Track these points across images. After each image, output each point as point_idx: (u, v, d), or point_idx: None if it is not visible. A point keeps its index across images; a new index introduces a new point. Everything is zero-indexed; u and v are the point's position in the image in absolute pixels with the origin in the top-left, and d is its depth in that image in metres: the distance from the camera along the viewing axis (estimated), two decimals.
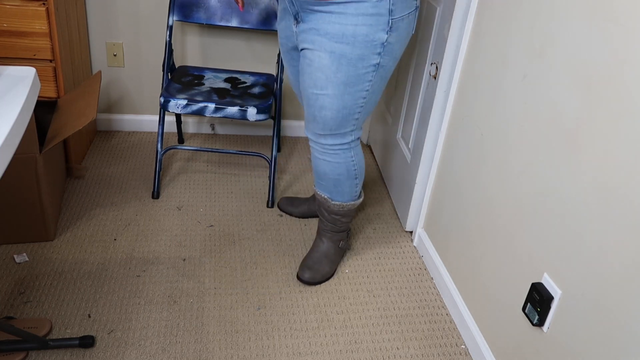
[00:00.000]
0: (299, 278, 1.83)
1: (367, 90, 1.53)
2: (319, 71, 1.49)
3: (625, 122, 1.05)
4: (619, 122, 1.06)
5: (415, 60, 2.07)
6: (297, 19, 1.52)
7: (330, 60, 1.46)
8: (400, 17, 1.44)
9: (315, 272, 1.82)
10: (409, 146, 2.10)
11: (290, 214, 2.15)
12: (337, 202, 1.77)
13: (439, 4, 1.84)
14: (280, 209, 2.17)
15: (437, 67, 1.82)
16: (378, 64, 1.48)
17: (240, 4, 1.73)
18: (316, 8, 1.44)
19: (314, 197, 2.12)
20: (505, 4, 1.47)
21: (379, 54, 1.46)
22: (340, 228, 1.84)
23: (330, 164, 1.68)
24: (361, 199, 1.83)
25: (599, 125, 1.12)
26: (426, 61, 1.94)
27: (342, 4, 1.40)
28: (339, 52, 1.45)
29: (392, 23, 1.43)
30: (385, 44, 1.45)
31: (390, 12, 1.42)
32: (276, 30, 2.29)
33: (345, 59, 1.45)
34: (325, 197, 1.77)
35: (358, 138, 1.68)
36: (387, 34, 1.44)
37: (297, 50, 1.65)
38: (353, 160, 1.69)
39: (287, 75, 1.80)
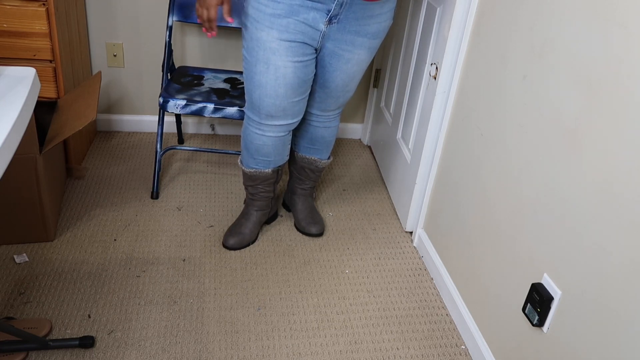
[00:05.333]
0: (309, 234, 2.05)
1: None
2: (356, 66, 1.71)
3: (625, 122, 1.05)
4: (619, 122, 1.06)
5: (415, 60, 2.07)
6: (331, 21, 1.57)
7: (367, 55, 1.70)
8: None
9: (319, 223, 2.06)
10: (409, 146, 2.10)
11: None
12: (325, 160, 2.02)
13: (439, 4, 1.84)
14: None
15: (437, 67, 1.82)
16: None
17: (209, 33, 1.60)
18: (365, 12, 1.58)
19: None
20: (505, 4, 1.47)
21: None
22: (317, 180, 2.10)
23: (330, 129, 1.93)
24: None
25: (598, 125, 1.12)
26: (426, 61, 1.94)
27: (384, 4, 1.60)
28: (374, 46, 1.69)
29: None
30: None
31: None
32: None
33: (375, 49, 1.71)
34: (315, 158, 1.99)
35: None
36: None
37: (309, 45, 1.61)
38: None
39: (275, 71, 1.60)
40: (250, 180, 1.89)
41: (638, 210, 1.01)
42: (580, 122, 1.17)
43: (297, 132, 1.96)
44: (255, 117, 1.72)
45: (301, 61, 1.61)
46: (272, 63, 1.58)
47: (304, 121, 1.91)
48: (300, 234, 2.05)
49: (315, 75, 1.73)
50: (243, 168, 1.88)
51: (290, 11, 1.52)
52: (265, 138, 1.76)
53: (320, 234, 2.06)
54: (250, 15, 1.56)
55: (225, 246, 1.93)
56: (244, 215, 1.98)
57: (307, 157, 1.99)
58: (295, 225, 2.09)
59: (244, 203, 2.06)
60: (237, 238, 1.93)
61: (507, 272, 1.45)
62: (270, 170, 1.86)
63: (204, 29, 1.58)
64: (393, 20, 1.69)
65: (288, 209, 2.17)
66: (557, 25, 1.25)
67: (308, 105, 1.84)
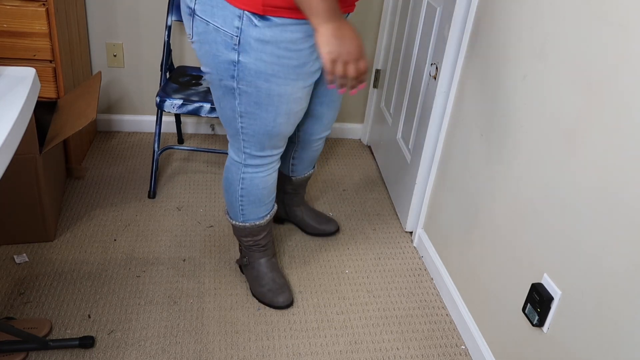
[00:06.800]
0: (329, 233, 2.05)
1: None
2: None
3: (625, 122, 1.05)
4: (618, 122, 1.06)
5: (415, 60, 2.07)
6: None
7: None
8: None
9: (331, 220, 2.07)
10: (409, 146, 2.10)
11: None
12: (311, 172, 1.94)
13: (439, 4, 1.85)
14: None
15: (437, 67, 1.82)
16: None
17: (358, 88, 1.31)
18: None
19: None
20: (505, 3, 1.47)
21: None
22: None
23: (320, 149, 1.87)
24: None
25: (598, 125, 1.12)
26: (426, 61, 1.94)
27: None
28: None
29: None
30: None
31: None
32: None
33: None
34: (310, 172, 1.93)
35: None
36: None
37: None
38: None
39: (294, 116, 1.47)
40: (263, 231, 1.69)
41: (638, 211, 1.01)
42: (580, 122, 1.17)
43: (298, 161, 1.85)
44: (266, 160, 1.55)
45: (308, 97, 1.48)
46: (293, 112, 1.44)
47: (307, 148, 1.80)
48: (300, 234, 2.05)
49: (319, 105, 1.64)
50: (253, 224, 1.66)
51: (309, 54, 1.33)
52: (275, 173, 1.62)
53: (338, 229, 2.06)
54: (262, 71, 1.31)
55: (278, 307, 1.72)
56: (265, 269, 1.75)
57: (304, 176, 1.91)
58: (308, 231, 2.04)
59: (245, 259, 1.77)
60: (285, 293, 1.72)
61: (507, 272, 1.45)
62: (276, 205, 1.73)
63: (349, 90, 1.27)
64: None
65: (281, 221, 2.10)
66: (557, 25, 1.25)
67: (314, 133, 1.75)
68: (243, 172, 1.57)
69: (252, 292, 1.76)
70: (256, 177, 1.58)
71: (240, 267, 1.83)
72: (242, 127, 1.45)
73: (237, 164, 1.57)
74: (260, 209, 1.64)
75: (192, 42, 1.37)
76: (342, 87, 1.28)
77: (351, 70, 1.23)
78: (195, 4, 1.29)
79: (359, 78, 1.25)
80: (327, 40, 1.19)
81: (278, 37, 1.27)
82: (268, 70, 1.31)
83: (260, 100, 1.37)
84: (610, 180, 1.08)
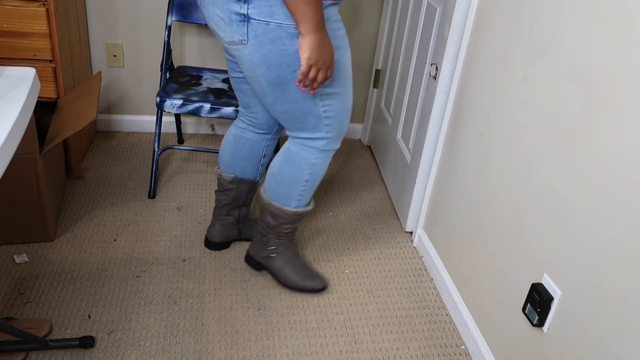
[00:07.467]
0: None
1: None
2: None
3: (625, 122, 1.05)
4: (619, 122, 1.06)
5: (415, 60, 2.07)
6: None
7: None
8: None
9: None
10: (409, 146, 2.10)
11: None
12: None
13: (439, 4, 1.85)
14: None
15: (437, 68, 1.82)
16: None
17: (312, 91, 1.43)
18: None
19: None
20: (505, 4, 1.47)
21: None
22: None
23: None
24: None
25: (599, 125, 1.12)
26: (426, 61, 1.94)
27: None
28: None
29: None
30: None
31: None
32: None
33: None
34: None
35: None
36: None
37: None
38: None
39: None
40: (303, 217, 1.74)
41: (638, 210, 1.01)
42: (580, 122, 1.17)
43: (268, 159, 1.83)
44: (338, 143, 1.62)
45: None
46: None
47: (280, 133, 1.83)
48: (300, 235, 2.05)
49: None
50: (305, 209, 1.69)
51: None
52: None
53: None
54: (335, 46, 1.41)
55: (319, 290, 1.79)
56: (297, 257, 1.80)
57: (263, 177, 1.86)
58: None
59: (275, 248, 1.77)
60: (318, 277, 1.79)
61: (507, 272, 1.45)
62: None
63: (303, 88, 1.39)
64: None
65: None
66: (557, 25, 1.25)
67: None
68: (316, 158, 1.60)
69: (283, 282, 1.78)
70: (325, 162, 1.63)
71: (258, 263, 1.81)
72: (324, 110, 1.50)
73: (312, 149, 1.59)
74: (312, 194, 1.70)
75: (244, 47, 1.38)
76: (308, 87, 1.40)
77: (321, 77, 1.36)
78: (248, 9, 1.32)
79: (323, 83, 1.39)
80: (311, 47, 1.31)
81: (330, 12, 1.38)
82: (337, 43, 1.41)
83: (335, 76, 1.45)
84: (610, 179, 1.08)
